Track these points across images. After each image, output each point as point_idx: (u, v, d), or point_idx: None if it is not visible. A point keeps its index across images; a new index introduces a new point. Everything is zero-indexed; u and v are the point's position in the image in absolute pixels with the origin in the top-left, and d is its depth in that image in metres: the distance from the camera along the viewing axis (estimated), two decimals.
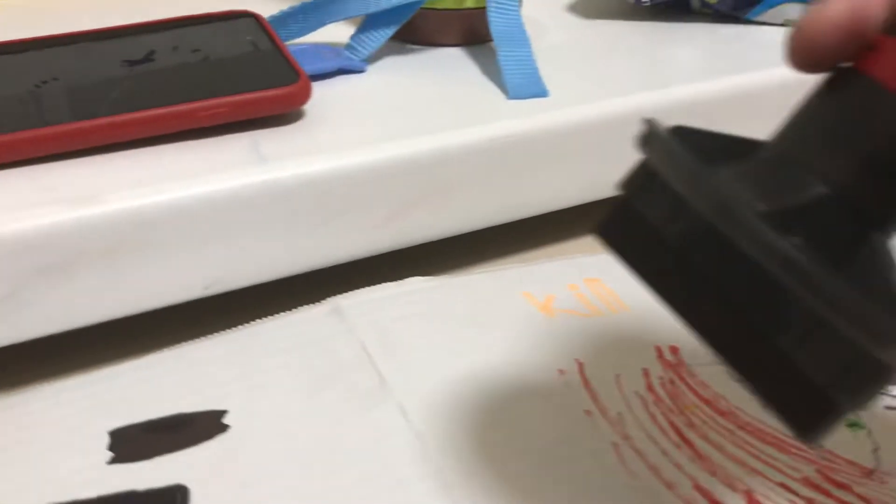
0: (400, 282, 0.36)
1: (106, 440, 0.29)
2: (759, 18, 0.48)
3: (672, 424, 0.30)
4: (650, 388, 0.31)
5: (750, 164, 0.20)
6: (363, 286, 0.36)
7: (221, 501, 0.27)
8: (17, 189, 0.30)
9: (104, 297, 0.31)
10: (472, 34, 0.44)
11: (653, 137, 0.20)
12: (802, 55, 0.19)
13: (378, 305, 0.35)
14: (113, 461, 0.28)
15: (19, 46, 0.37)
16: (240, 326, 0.34)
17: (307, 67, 0.37)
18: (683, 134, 0.20)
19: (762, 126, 0.42)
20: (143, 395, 0.31)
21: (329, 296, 0.35)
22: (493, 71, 0.41)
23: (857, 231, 0.19)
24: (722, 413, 0.30)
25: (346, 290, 0.36)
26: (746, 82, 0.42)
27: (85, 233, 0.30)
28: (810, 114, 0.19)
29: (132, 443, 0.29)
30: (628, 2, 0.49)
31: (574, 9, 0.50)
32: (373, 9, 0.40)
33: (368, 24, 0.41)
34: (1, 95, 0.34)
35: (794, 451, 0.29)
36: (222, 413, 0.30)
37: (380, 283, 0.36)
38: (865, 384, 0.18)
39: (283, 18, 0.41)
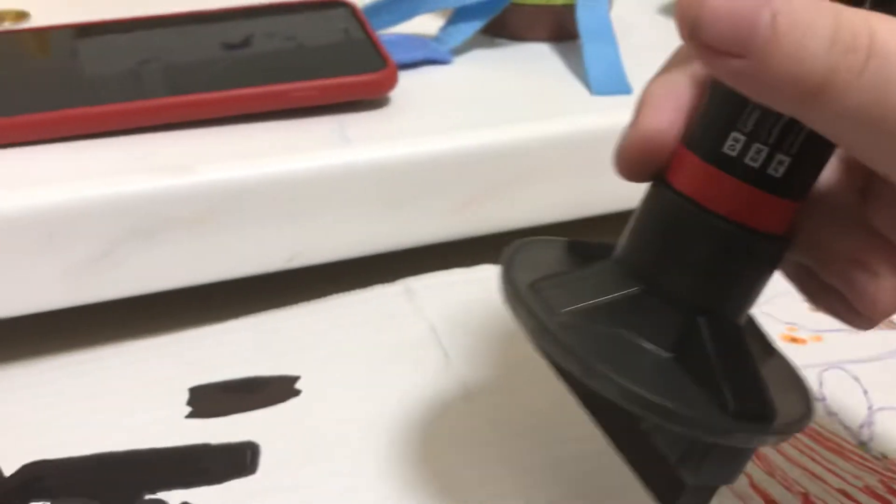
0: (471, 268, 0.37)
1: (185, 396, 0.31)
2: None
3: None
4: None
5: (590, 270, 0.21)
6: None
7: (289, 461, 0.28)
8: (116, 156, 0.32)
9: (192, 262, 0.33)
10: (560, 30, 0.44)
11: (504, 266, 0.22)
12: (623, 170, 0.21)
13: (448, 289, 0.36)
14: (190, 416, 0.30)
15: (130, 25, 0.40)
16: (316, 300, 0.35)
17: (396, 56, 0.38)
18: (557, 246, 0.23)
19: None
20: (223, 356, 0.33)
21: (401, 279, 0.36)
22: (578, 67, 0.41)
23: (679, 320, 0.20)
24: None
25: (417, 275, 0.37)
26: None
27: (177, 200, 0.31)
28: (637, 218, 0.21)
29: (210, 400, 0.31)
30: None
31: (667, 10, 0.50)
32: (463, 2, 0.41)
33: (458, 16, 0.42)
34: (110, 70, 0.36)
35: (857, 459, 0.28)
36: (295, 379, 0.32)
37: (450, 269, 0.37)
38: (707, 462, 0.20)
39: (376, 8, 0.42)
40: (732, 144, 0.19)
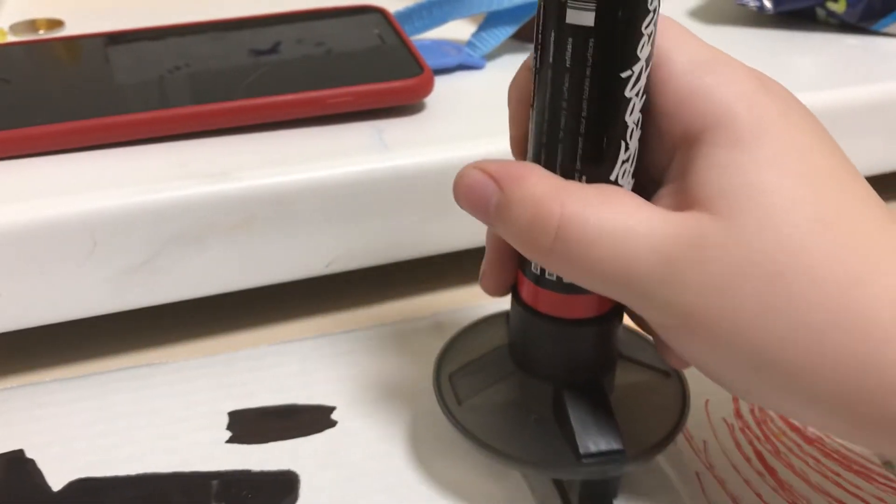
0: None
1: (225, 420, 0.31)
2: (887, 30, 0.47)
3: (757, 452, 0.30)
4: (738, 413, 0.32)
5: (489, 357, 0.29)
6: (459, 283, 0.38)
7: (328, 493, 0.28)
8: (158, 163, 0.33)
9: (233, 267, 0.33)
10: None
11: (438, 358, 0.30)
12: (488, 292, 0.28)
13: None
14: (230, 440, 0.30)
15: (164, 33, 0.40)
16: (349, 330, 0.36)
17: (430, 62, 0.38)
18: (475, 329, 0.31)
19: (887, 138, 0.41)
20: (261, 382, 0.33)
21: (427, 288, 0.38)
22: None
23: (548, 390, 0.27)
24: (809, 440, 0.30)
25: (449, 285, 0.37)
26: (872, 93, 0.41)
27: (219, 206, 0.32)
28: (509, 314, 0.28)
29: (249, 425, 0.31)
30: (752, 9, 0.48)
31: (696, 14, 0.50)
32: (494, 7, 0.41)
33: (489, 22, 0.42)
34: (147, 77, 0.36)
35: (881, 481, 0.29)
36: (331, 409, 0.32)
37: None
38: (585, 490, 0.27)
39: (408, 14, 0.43)
40: (535, 265, 0.25)
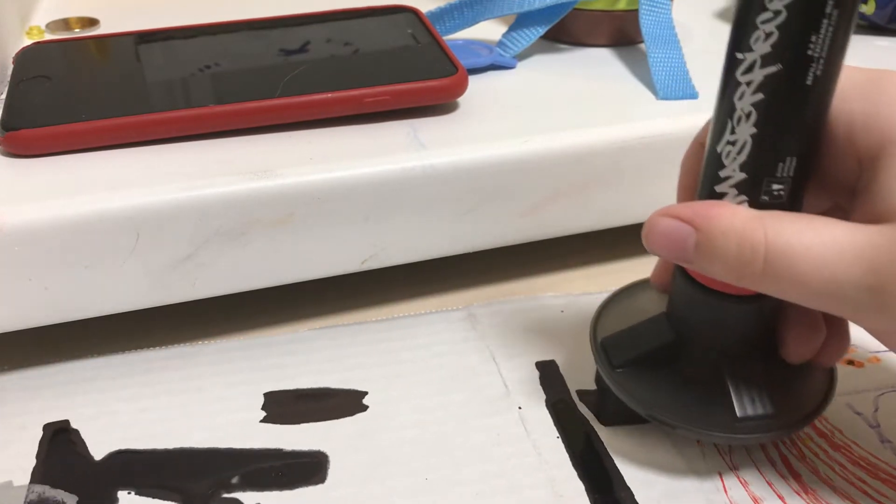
0: (531, 296, 0.38)
1: (260, 400, 0.32)
2: None
3: (782, 456, 0.30)
4: None
5: (645, 324, 0.30)
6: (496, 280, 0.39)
7: (356, 475, 0.29)
8: (200, 160, 0.33)
9: (273, 263, 0.34)
10: (622, 36, 0.45)
11: (592, 323, 0.32)
12: (660, 289, 0.32)
13: (509, 316, 0.37)
14: (264, 420, 0.31)
15: (199, 31, 0.41)
16: (384, 318, 0.37)
17: (463, 62, 0.38)
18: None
19: None
20: (296, 365, 0.34)
21: (462, 285, 0.38)
22: (641, 72, 0.42)
23: (702, 356, 0.29)
24: (836, 447, 0.31)
25: (481, 282, 0.38)
26: None
27: (261, 202, 0.32)
28: (671, 287, 0.30)
29: (283, 406, 0.32)
30: None
31: (723, 15, 0.50)
32: (526, 8, 0.42)
33: (520, 22, 0.43)
34: (186, 75, 0.37)
35: None
36: (363, 394, 0.33)
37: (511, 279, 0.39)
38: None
39: (440, 15, 0.43)
40: None
